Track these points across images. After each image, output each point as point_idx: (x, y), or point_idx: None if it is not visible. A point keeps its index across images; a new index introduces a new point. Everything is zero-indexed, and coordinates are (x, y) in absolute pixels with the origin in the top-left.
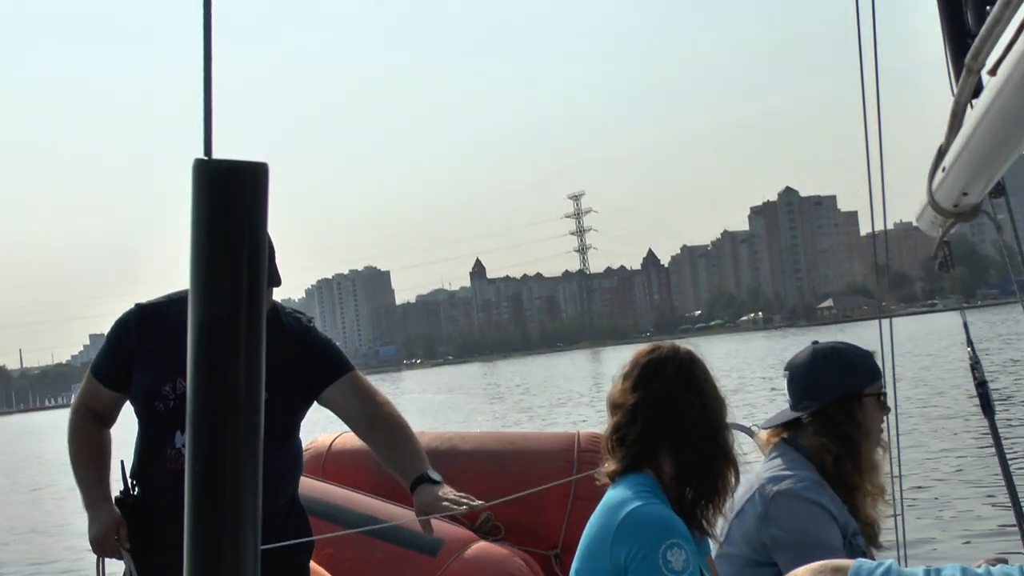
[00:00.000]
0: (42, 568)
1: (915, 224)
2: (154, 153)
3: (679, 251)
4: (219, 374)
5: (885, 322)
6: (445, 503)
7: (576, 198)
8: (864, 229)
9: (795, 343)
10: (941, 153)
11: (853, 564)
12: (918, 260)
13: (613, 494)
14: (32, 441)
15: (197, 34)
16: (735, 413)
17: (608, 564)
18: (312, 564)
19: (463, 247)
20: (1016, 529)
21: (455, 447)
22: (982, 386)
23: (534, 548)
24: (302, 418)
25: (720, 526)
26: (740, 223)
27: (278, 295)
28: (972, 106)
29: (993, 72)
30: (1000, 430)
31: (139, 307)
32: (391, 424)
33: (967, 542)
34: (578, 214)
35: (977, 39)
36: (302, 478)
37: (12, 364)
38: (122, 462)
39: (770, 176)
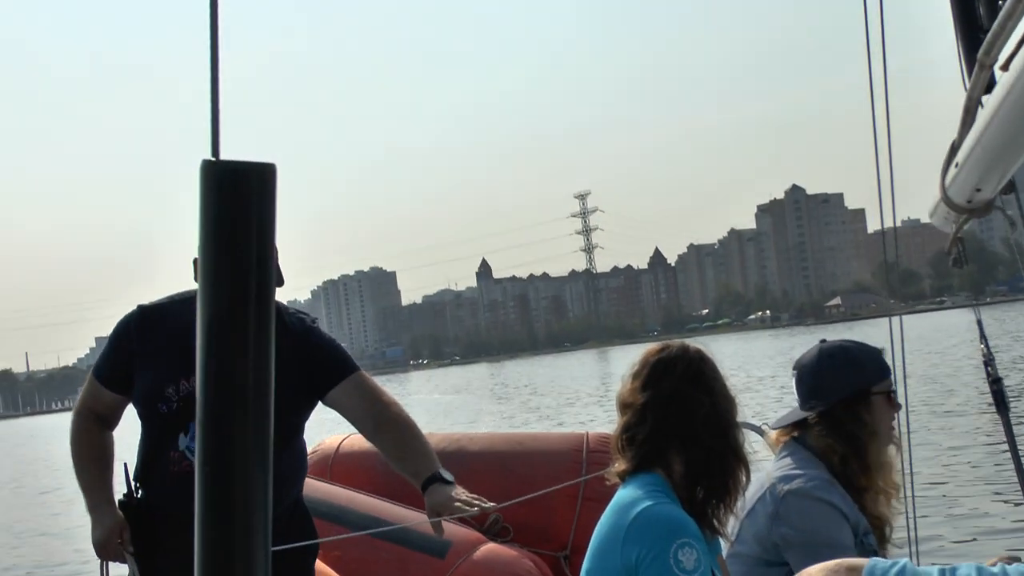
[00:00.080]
0: (53, 571)
1: (929, 220)
2: (161, 155)
3: (686, 250)
4: (228, 375)
5: (895, 319)
6: (458, 504)
7: (582, 197)
8: (871, 226)
9: (803, 342)
10: (954, 149)
11: (868, 563)
12: (926, 257)
13: (623, 494)
14: (39, 444)
15: (204, 35)
16: (744, 412)
17: (619, 564)
18: (321, 565)
19: (469, 247)
20: None
21: (463, 448)
22: (996, 383)
23: (543, 550)
24: (306, 419)
25: (731, 525)
26: (747, 221)
27: (283, 296)
28: (984, 102)
29: (1006, 67)
30: (1013, 427)
31: (140, 308)
32: (399, 424)
33: (975, 539)
34: (584, 213)
35: (989, 34)
36: (310, 480)
37: (18, 367)
38: (125, 464)
39: (777, 174)
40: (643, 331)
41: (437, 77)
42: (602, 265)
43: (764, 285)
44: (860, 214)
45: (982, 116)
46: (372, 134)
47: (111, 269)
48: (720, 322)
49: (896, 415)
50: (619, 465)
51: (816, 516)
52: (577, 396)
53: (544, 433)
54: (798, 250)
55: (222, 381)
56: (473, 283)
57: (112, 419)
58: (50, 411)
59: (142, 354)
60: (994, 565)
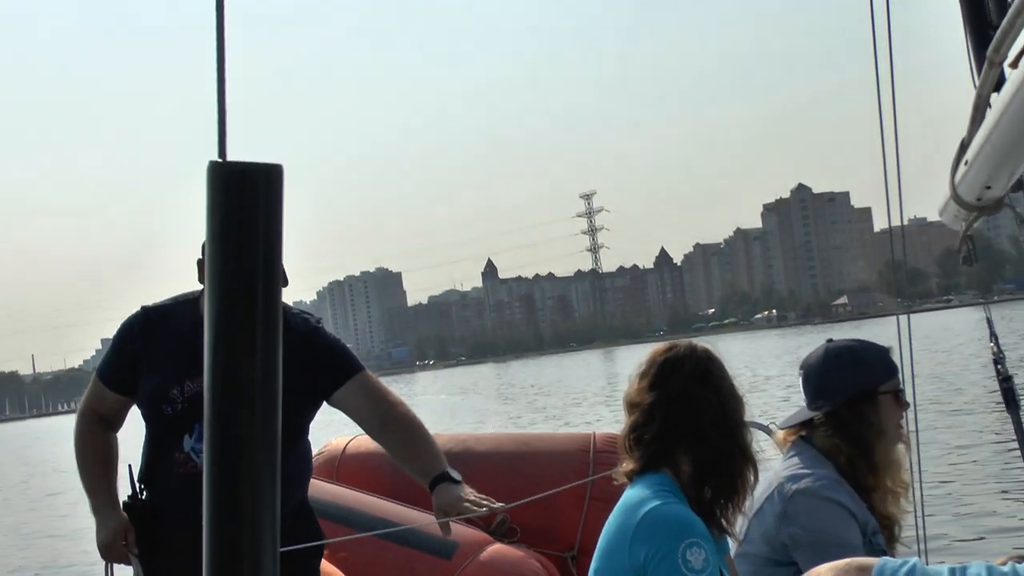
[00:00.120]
0: (59, 572)
1: (935, 219)
2: (168, 156)
3: (692, 249)
4: (236, 375)
5: (903, 318)
6: (466, 504)
7: (588, 197)
8: (878, 225)
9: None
10: (963, 146)
11: (877, 563)
12: (933, 256)
13: (631, 494)
14: (46, 446)
15: (210, 36)
16: (751, 411)
17: (627, 564)
18: (328, 566)
19: (474, 247)
20: None
21: (469, 449)
22: (1007, 381)
23: (550, 550)
24: (311, 420)
25: (739, 525)
26: (753, 220)
27: (289, 297)
28: (994, 100)
29: (1015, 64)
30: (1023, 425)
31: (144, 310)
32: (405, 423)
33: (984, 538)
34: (590, 213)
35: (999, 31)
36: (317, 481)
37: (25, 369)
38: (130, 466)
39: (783, 173)
40: (649, 331)
41: (442, 77)
42: (608, 265)
43: (770, 284)
44: (866, 213)
45: (991, 113)
46: (376, 135)
47: (117, 271)
48: (726, 321)
49: (904, 414)
50: (627, 465)
51: (824, 516)
52: (583, 396)
53: (551, 433)
54: (804, 249)
55: (230, 381)
56: (479, 283)
57: (116, 421)
58: (56, 413)
59: (146, 355)
60: (1004, 564)
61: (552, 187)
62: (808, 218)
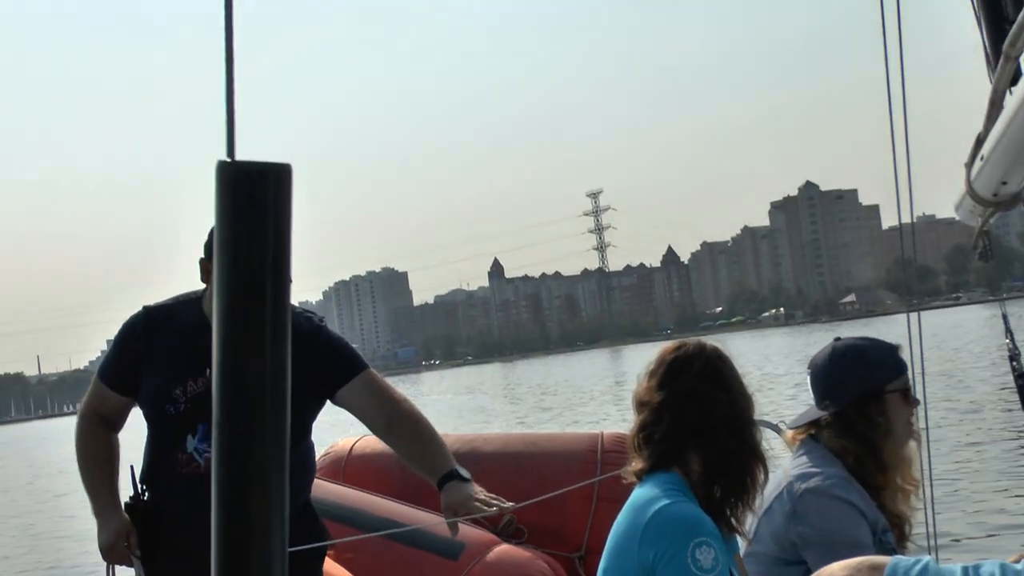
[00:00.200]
0: (66, 574)
1: (943, 216)
2: (174, 156)
3: (699, 248)
4: (244, 374)
5: (913, 315)
6: (475, 503)
7: (594, 195)
8: (886, 222)
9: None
10: (979, 141)
11: (890, 562)
12: (942, 253)
13: (640, 493)
14: (51, 447)
15: (219, 36)
16: (760, 410)
17: (636, 563)
18: (334, 567)
19: (481, 247)
20: None
21: (477, 449)
22: (1022, 378)
23: (557, 551)
24: (313, 419)
25: (749, 524)
26: (760, 218)
27: (294, 296)
28: (1011, 93)
29: None
30: None
31: (146, 310)
32: (411, 421)
33: (995, 536)
34: (597, 212)
35: (1015, 25)
36: (323, 482)
37: (30, 370)
38: (132, 467)
39: (790, 171)
40: (656, 330)
41: (448, 76)
42: (615, 264)
43: (778, 282)
44: (874, 210)
45: (1008, 108)
46: (381, 135)
47: (122, 271)
48: (734, 320)
49: (914, 411)
50: (636, 464)
51: (834, 514)
52: (591, 395)
53: (558, 433)
54: (812, 247)
55: (238, 381)
56: (485, 283)
57: (118, 421)
58: (62, 414)
59: (148, 356)
60: (1017, 562)
61: (559, 186)
62: (816, 216)
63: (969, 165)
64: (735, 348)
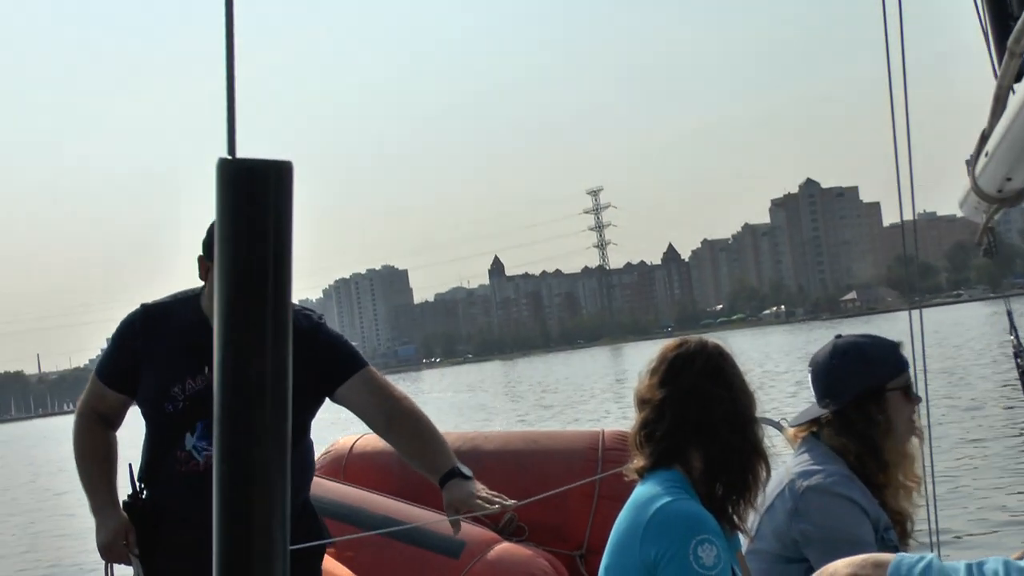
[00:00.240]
0: (64, 572)
1: (948, 212)
2: (173, 154)
3: (700, 245)
4: (246, 373)
5: (915, 312)
6: (478, 501)
7: (595, 193)
8: (887, 220)
9: (818, 337)
10: (984, 138)
11: (894, 559)
12: (943, 250)
13: (642, 490)
14: (51, 446)
15: (219, 33)
16: (761, 407)
17: (638, 561)
18: (334, 566)
19: (481, 245)
20: None
21: (478, 447)
22: None
23: (559, 549)
24: (312, 417)
25: (751, 521)
26: (761, 216)
27: (295, 295)
28: (1015, 90)
29: None
30: None
31: (144, 307)
32: (412, 418)
33: (997, 532)
34: (597, 209)
35: (1020, 22)
36: (324, 481)
37: (30, 369)
38: (130, 465)
39: (791, 168)
40: (657, 327)
41: (446, 73)
42: (615, 261)
43: (779, 280)
44: (875, 207)
45: (1012, 104)
46: (383, 132)
47: (122, 270)
48: (735, 317)
49: (916, 409)
50: (637, 461)
51: (836, 512)
52: (591, 393)
53: (559, 431)
54: (813, 244)
55: (240, 379)
56: (485, 281)
57: (115, 419)
58: (62, 412)
59: (147, 353)
60: (1021, 559)
61: (559, 183)
62: (816, 213)
63: (973, 161)
64: (736, 346)
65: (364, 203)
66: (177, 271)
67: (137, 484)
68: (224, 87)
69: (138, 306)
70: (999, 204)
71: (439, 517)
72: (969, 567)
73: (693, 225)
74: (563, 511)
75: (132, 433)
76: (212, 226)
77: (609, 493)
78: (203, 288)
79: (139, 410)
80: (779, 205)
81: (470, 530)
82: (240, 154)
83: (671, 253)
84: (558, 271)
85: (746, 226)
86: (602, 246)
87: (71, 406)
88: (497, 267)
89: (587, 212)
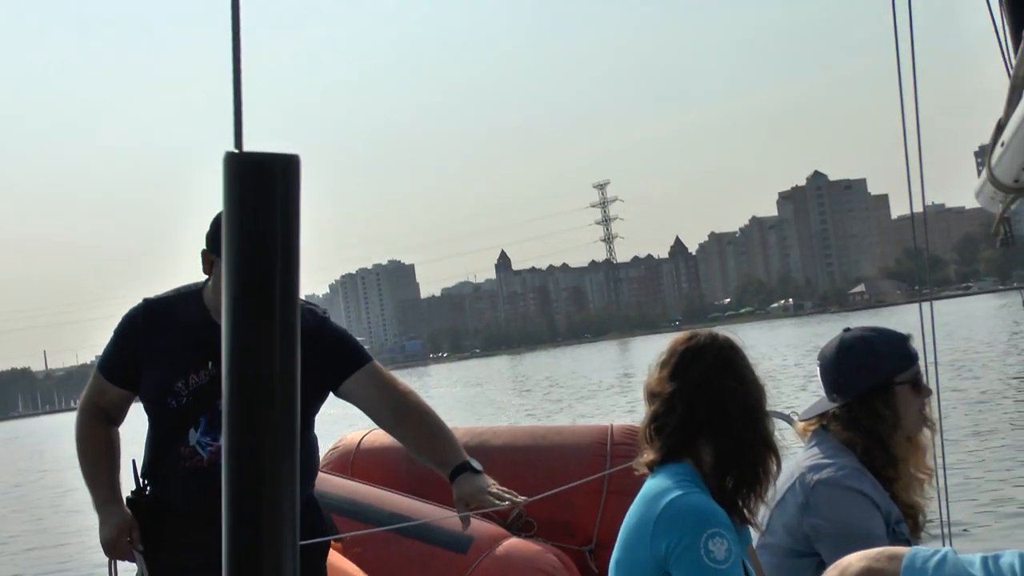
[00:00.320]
0: (69, 570)
1: (957, 204)
2: (180, 151)
3: (707, 238)
4: (254, 368)
5: (925, 305)
6: (488, 495)
7: (601, 187)
8: (895, 212)
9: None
10: (1000, 127)
11: (909, 552)
12: (952, 242)
13: (652, 484)
14: (59, 442)
15: (226, 27)
16: (771, 400)
17: (648, 555)
18: (342, 562)
19: (487, 239)
20: None
21: (486, 442)
22: None
23: (567, 544)
24: (316, 412)
25: (762, 515)
26: (768, 209)
27: (301, 290)
28: None
29: None
30: None
31: (146, 302)
32: (419, 412)
33: (1006, 524)
34: (604, 203)
35: None
36: (332, 476)
37: (37, 365)
38: (133, 461)
39: (798, 161)
40: (665, 321)
41: (454, 66)
42: (622, 255)
43: (787, 273)
44: (883, 200)
45: None
46: (389, 127)
47: (128, 266)
48: (743, 311)
49: (927, 401)
50: (647, 455)
51: (847, 506)
52: (599, 387)
53: (568, 426)
54: (821, 237)
55: (248, 374)
56: (492, 275)
57: (118, 415)
58: (69, 409)
59: (149, 349)
60: None
61: (565, 177)
62: (824, 206)
63: (989, 151)
64: (744, 339)
65: (370, 198)
66: (184, 266)
67: (141, 480)
68: (231, 80)
69: (140, 301)
70: (1016, 194)
71: (447, 513)
72: (985, 560)
73: (700, 218)
74: (572, 506)
75: (135, 430)
76: (216, 220)
77: (618, 488)
78: (206, 282)
79: (142, 406)
80: (787, 198)
81: (478, 525)
82: (247, 147)
83: (678, 247)
84: (565, 265)
85: (754, 219)
86: (609, 240)
87: (77, 403)
88: (504, 261)
89: (594, 206)
